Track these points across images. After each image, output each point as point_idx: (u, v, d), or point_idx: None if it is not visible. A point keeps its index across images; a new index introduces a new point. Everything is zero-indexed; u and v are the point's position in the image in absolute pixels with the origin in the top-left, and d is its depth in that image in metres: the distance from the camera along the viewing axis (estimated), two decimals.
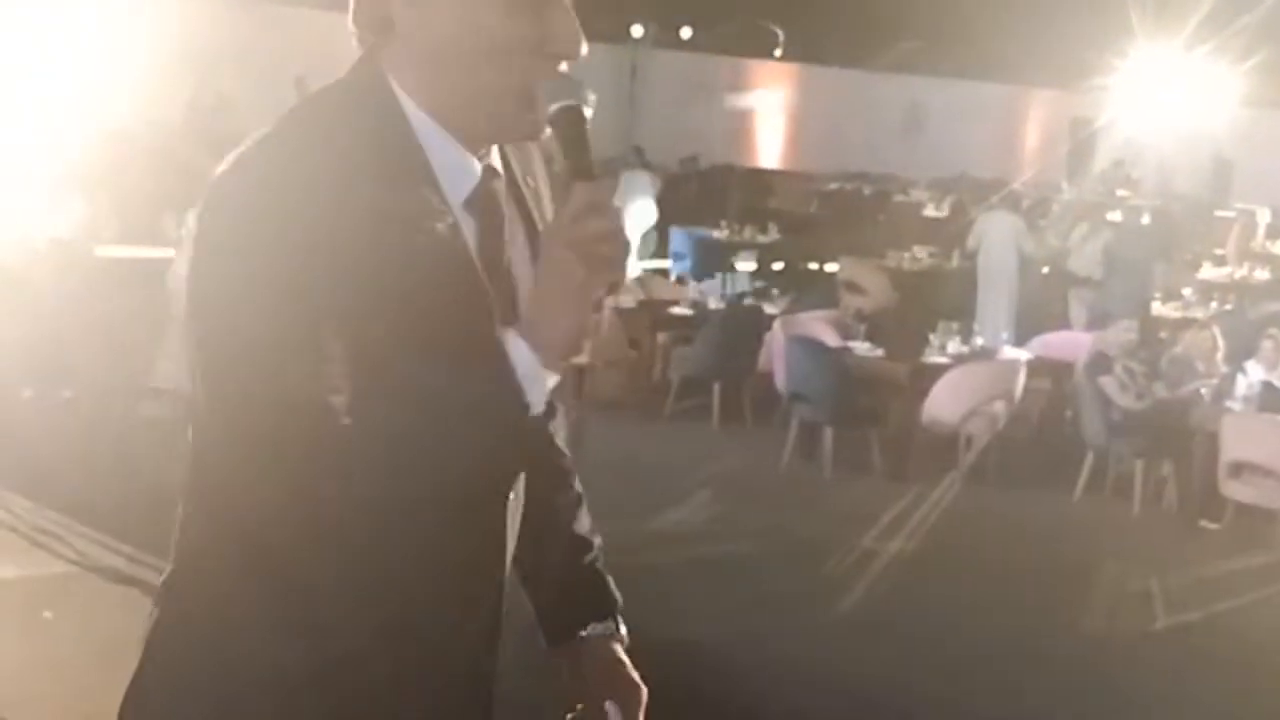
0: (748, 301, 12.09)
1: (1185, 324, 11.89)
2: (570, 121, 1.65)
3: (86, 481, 7.19)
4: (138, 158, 13.59)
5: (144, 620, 1.79)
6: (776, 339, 9.97)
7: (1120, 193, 20.40)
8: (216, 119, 14.42)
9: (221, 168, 1.58)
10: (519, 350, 1.59)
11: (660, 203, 16.10)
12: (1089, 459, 9.36)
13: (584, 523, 2.10)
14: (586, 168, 1.63)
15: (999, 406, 9.60)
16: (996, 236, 13.65)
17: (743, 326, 10.79)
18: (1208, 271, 15.80)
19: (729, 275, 15.07)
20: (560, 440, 2.05)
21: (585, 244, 1.58)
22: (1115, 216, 15.38)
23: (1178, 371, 9.73)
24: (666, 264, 16.50)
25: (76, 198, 11.40)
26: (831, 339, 10.00)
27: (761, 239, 16.86)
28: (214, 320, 1.56)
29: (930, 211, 19.63)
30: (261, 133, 1.62)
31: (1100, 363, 9.53)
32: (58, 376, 9.40)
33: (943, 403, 9.48)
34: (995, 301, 13.51)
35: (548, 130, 1.67)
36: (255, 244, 1.51)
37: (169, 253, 13.65)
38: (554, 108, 1.65)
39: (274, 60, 17.86)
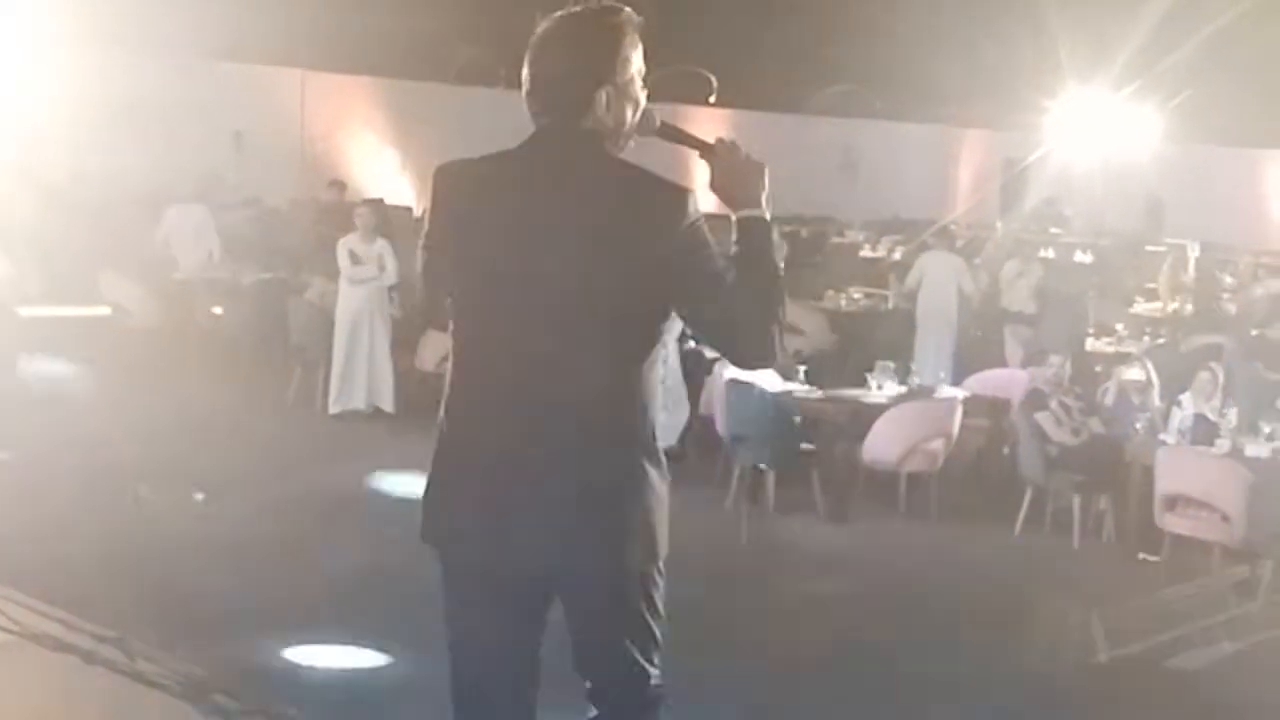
0: (688, 346, 12.12)
1: (1119, 359, 12.03)
2: (670, 130, 3.31)
3: (21, 548, 7.10)
4: (66, 215, 13.48)
5: (83, 686, 1.79)
6: (717, 382, 10.00)
7: (1053, 230, 20.65)
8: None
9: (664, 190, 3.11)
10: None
11: None
12: (1028, 494, 9.44)
13: None
14: (697, 141, 3.29)
15: (938, 444, 9.67)
16: (937, 275, 13.76)
17: (683, 370, 10.80)
18: (1140, 306, 15.98)
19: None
20: None
21: (740, 156, 3.22)
22: (1048, 254, 15.55)
23: (1113, 405, 9.85)
24: None
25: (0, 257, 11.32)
26: (771, 381, 10.04)
27: None
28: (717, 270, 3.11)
29: (867, 252, 19.79)
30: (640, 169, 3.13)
31: (1036, 399, 9.62)
32: None
33: (882, 442, 9.54)
34: (934, 340, 13.60)
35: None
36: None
37: (103, 310, 13.57)
38: (658, 124, 3.27)
39: (213, 115, 17.84)
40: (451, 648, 3.30)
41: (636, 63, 3.19)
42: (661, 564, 3.26)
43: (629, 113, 3.18)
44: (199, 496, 7.62)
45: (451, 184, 3.22)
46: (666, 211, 3.06)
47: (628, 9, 3.19)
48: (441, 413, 3.23)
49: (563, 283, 3.06)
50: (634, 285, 3.07)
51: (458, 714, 3.33)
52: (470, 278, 3.17)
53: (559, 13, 3.19)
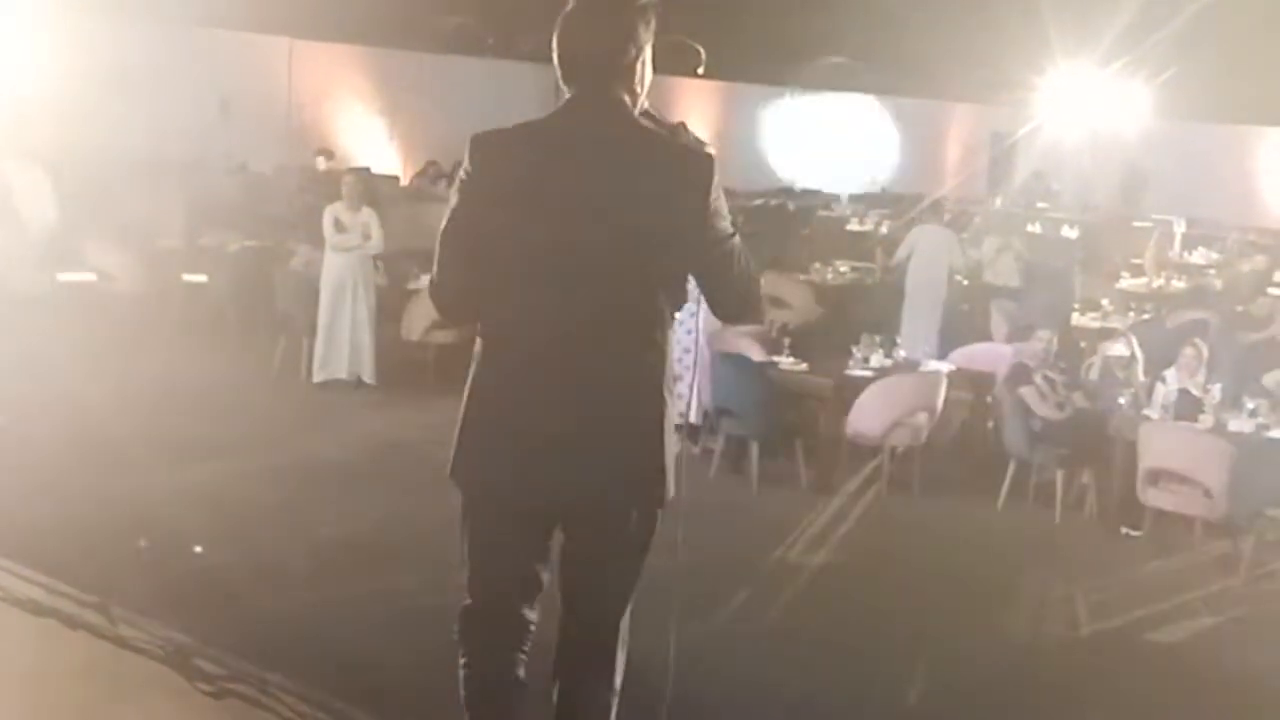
0: None
1: (1104, 334, 12.05)
2: (648, 114, 3.46)
3: (3, 512, 7.09)
4: (51, 181, 13.38)
5: (63, 651, 1.79)
6: (702, 354, 9.99)
7: (1040, 205, 20.66)
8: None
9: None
10: None
11: None
12: (1011, 468, 9.46)
13: None
14: (667, 125, 3.48)
15: (922, 418, 9.68)
16: (927, 249, 13.73)
17: None
18: (1126, 281, 16.00)
19: None
20: None
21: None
22: (1035, 228, 15.55)
23: (1097, 380, 9.86)
24: None
25: None
26: (756, 354, 10.04)
27: None
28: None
29: (854, 226, 19.78)
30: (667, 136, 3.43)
31: (1020, 373, 9.63)
32: None
33: (866, 415, 9.55)
34: (923, 314, 13.59)
35: None
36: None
37: (88, 277, 13.51)
38: (645, 105, 3.45)
39: (200, 82, 17.76)
40: (470, 577, 3.53)
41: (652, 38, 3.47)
42: (665, 505, 3.51)
43: (648, 83, 3.47)
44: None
45: (490, 152, 3.38)
46: (698, 176, 3.37)
47: None
48: (475, 365, 3.43)
49: (604, 242, 3.31)
50: (668, 244, 3.35)
51: (467, 625, 3.56)
52: (512, 239, 3.33)
53: None
